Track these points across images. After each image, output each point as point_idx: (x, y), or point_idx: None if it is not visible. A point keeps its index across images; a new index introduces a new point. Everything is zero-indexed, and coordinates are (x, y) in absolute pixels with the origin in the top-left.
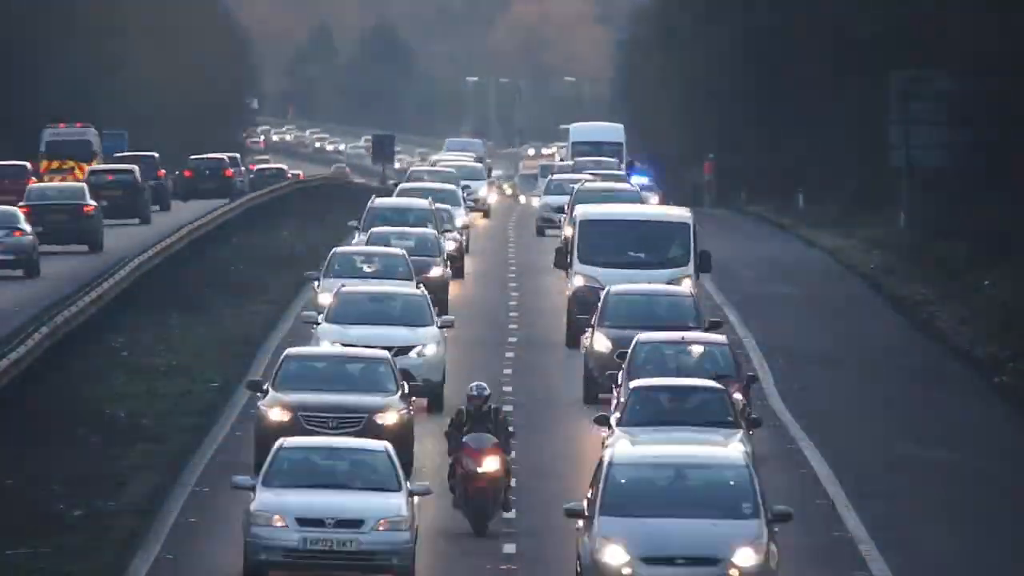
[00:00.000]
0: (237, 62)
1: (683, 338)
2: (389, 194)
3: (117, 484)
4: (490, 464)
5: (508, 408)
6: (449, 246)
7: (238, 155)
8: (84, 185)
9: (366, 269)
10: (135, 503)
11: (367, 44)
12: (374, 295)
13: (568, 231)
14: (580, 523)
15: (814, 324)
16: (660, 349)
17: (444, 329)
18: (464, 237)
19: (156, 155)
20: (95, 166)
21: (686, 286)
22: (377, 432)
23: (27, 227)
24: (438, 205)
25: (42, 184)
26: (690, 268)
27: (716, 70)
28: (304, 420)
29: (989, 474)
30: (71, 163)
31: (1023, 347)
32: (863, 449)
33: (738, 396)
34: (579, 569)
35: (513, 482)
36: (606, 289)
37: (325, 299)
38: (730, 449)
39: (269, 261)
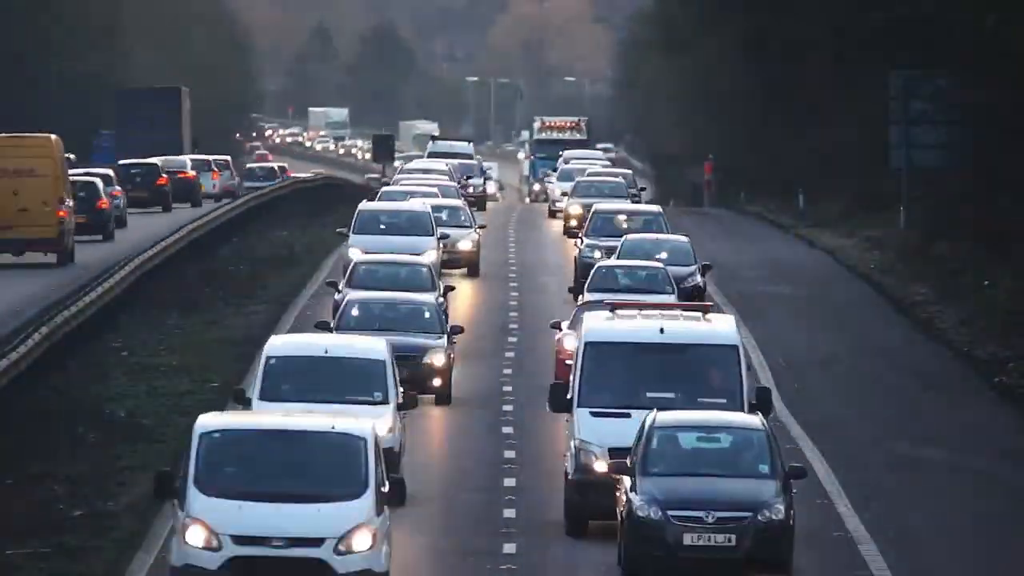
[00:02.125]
0: (237, 62)
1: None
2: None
3: (117, 484)
4: None
5: (508, 408)
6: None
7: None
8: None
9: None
10: (135, 503)
11: (367, 44)
12: None
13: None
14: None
15: (814, 324)
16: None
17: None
18: None
19: None
20: None
21: None
22: None
23: None
24: None
25: None
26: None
27: (716, 70)
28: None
29: (989, 474)
30: None
31: (1023, 347)
32: (863, 449)
33: None
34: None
35: (513, 482)
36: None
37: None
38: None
39: (269, 261)
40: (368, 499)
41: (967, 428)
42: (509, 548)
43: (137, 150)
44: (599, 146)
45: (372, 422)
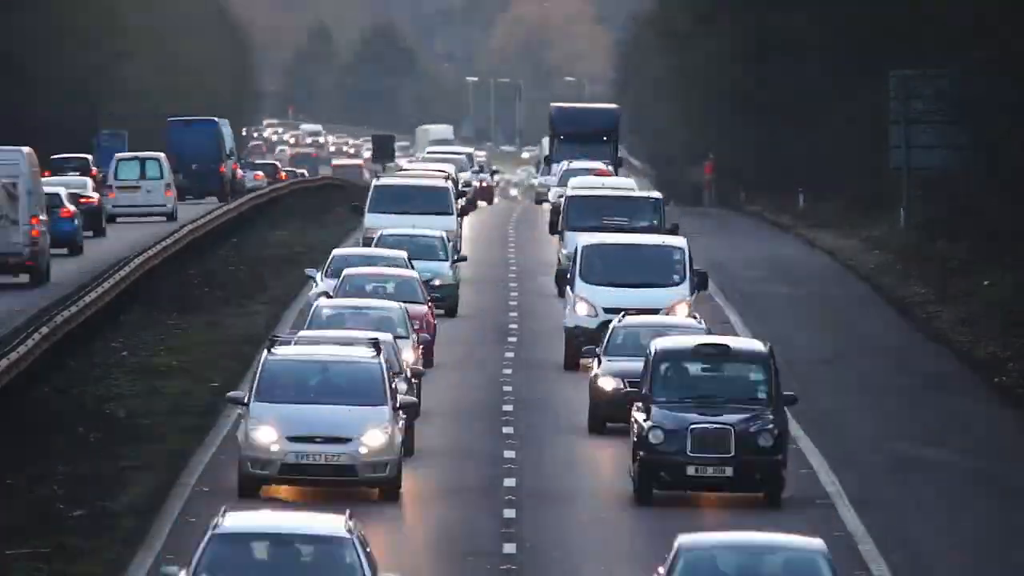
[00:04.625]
0: (237, 62)
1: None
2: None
3: (117, 484)
4: None
5: (508, 408)
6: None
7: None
8: None
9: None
10: (135, 503)
11: (367, 44)
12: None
13: None
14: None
15: (814, 324)
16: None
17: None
18: None
19: None
20: None
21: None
22: None
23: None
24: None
25: None
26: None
27: (716, 70)
28: None
29: (989, 474)
30: None
31: (1023, 347)
32: (863, 449)
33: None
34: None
35: (513, 482)
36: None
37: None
38: None
39: (269, 261)
40: None
41: (967, 428)
42: (509, 548)
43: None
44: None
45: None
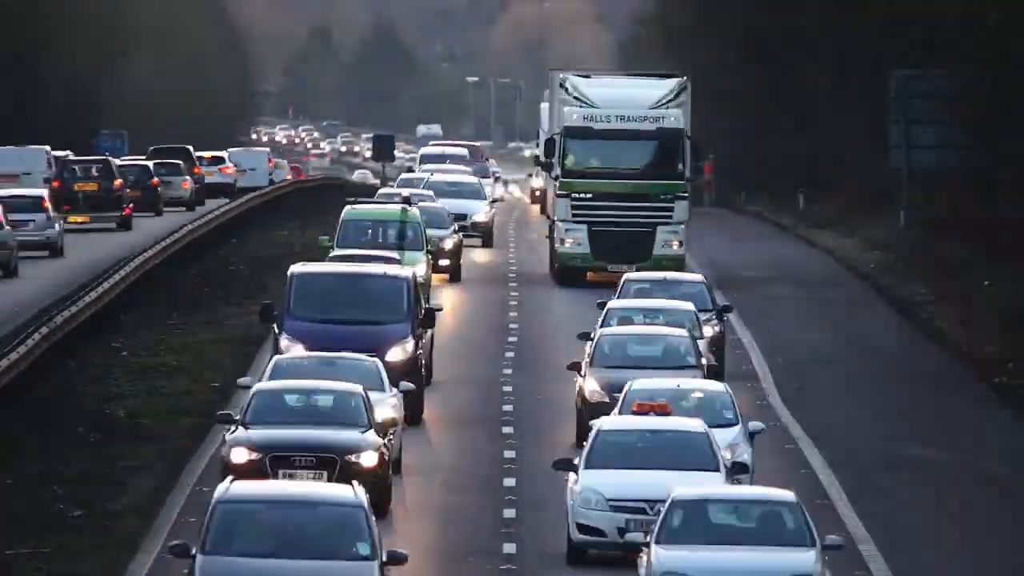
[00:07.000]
0: (237, 62)
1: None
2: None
3: (117, 484)
4: None
5: (508, 408)
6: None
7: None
8: None
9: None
10: (135, 503)
11: (367, 44)
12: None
13: None
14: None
15: (814, 324)
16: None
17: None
18: None
19: None
20: None
21: None
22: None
23: None
24: None
25: None
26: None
27: (716, 70)
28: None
29: (989, 474)
30: None
31: (1023, 347)
32: (863, 449)
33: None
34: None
35: (513, 482)
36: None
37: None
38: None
39: (269, 261)
40: None
41: (967, 428)
42: (509, 548)
43: None
44: None
45: None
